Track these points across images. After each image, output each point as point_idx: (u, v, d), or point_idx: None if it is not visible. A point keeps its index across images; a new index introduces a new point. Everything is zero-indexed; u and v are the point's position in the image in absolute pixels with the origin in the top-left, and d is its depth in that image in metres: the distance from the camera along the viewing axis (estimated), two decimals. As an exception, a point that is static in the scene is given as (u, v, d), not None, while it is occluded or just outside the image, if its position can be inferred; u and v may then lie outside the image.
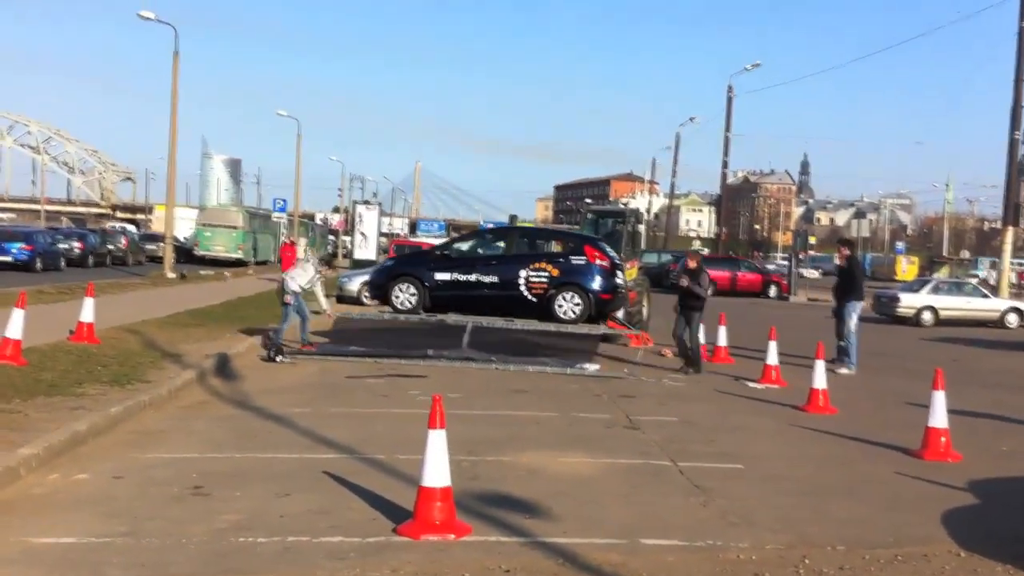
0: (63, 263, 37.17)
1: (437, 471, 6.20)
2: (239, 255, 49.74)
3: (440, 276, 16.59)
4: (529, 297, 16.24)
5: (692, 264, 16.58)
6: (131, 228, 74.99)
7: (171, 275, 33.11)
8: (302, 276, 16.32)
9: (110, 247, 44.98)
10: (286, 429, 9.67)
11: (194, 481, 7.35)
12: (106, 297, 20.97)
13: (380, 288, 17.20)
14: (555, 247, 17.79)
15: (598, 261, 16.45)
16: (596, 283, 16.23)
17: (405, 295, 16.60)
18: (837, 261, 19.27)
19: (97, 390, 10.45)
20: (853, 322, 16.72)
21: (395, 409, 11.16)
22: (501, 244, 17.75)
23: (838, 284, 17.56)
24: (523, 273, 16.29)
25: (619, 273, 16.87)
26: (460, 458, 7.95)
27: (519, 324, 16.23)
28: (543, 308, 16.19)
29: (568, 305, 16.05)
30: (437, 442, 6.22)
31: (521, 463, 8.46)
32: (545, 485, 7.70)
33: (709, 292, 16.63)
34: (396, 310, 16.71)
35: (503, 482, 7.72)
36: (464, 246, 18.04)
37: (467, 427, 9.67)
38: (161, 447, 8.57)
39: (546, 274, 16.23)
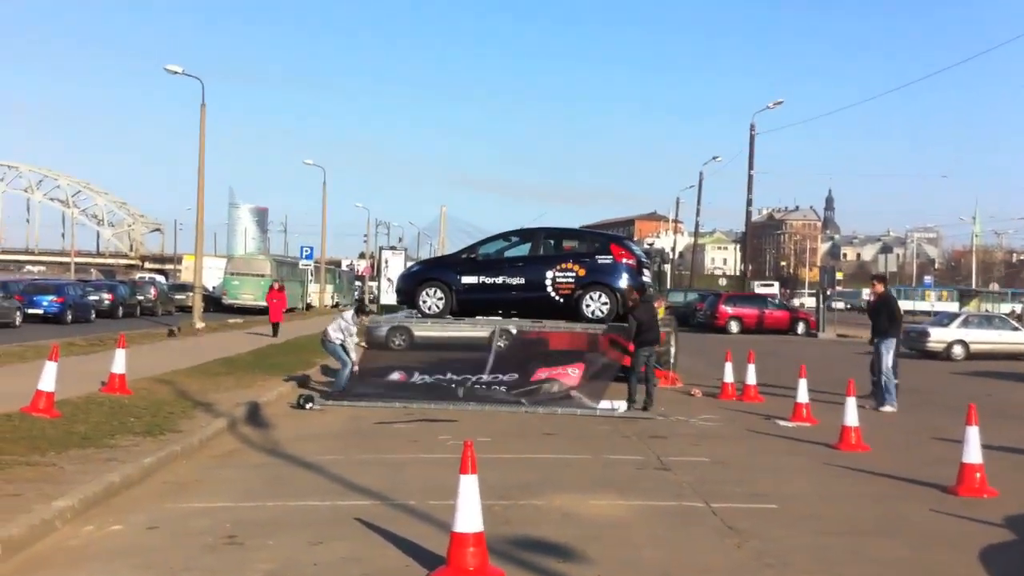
0: (93, 315, 37.57)
1: (470, 516, 6.19)
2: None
3: (467, 279, 16.63)
4: (556, 298, 16.25)
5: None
6: (160, 278, 75.66)
7: (200, 324, 33.31)
8: (337, 332, 16.26)
9: (140, 298, 45.39)
10: (317, 476, 9.69)
11: (227, 530, 7.37)
12: (136, 348, 21.16)
13: (408, 294, 17.23)
14: (581, 247, 17.67)
15: (624, 260, 16.43)
16: (623, 281, 16.18)
17: (432, 300, 16.67)
18: (868, 296, 19.08)
19: (130, 441, 10.52)
20: (890, 359, 16.47)
21: (425, 454, 11.15)
22: (527, 246, 17.57)
23: (872, 320, 17.27)
24: (550, 274, 16.30)
25: (645, 271, 16.81)
26: (492, 503, 7.93)
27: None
28: (571, 308, 16.16)
29: (596, 304, 16.04)
30: (469, 487, 6.22)
31: (554, 506, 8.43)
32: (578, 528, 7.66)
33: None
34: (424, 314, 16.78)
35: (536, 526, 7.69)
36: (490, 249, 17.84)
37: (498, 471, 9.65)
38: (194, 497, 8.60)
39: (573, 274, 16.23)
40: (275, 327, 31.20)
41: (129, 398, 13.72)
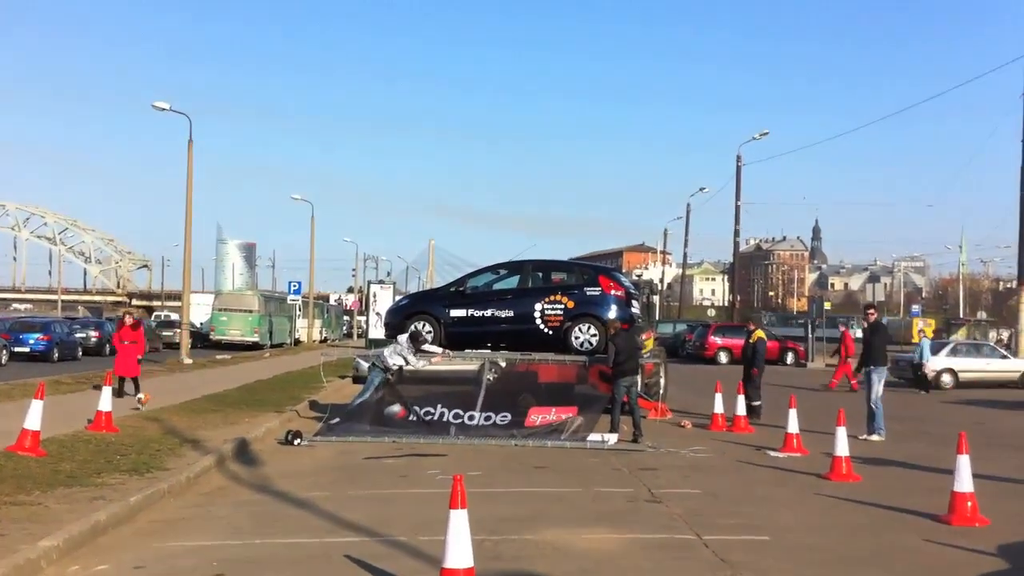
0: (80, 352, 37.34)
1: (460, 552, 6.13)
2: (255, 338, 49.96)
3: (455, 312, 16.61)
4: (545, 330, 16.23)
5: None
6: (175, 316, 75.36)
7: (187, 360, 33.18)
8: (395, 357, 16.17)
9: None
10: (306, 513, 9.61)
11: (215, 569, 7.29)
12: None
13: (396, 327, 17.15)
14: (569, 279, 17.62)
15: (613, 291, 16.44)
16: (612, 313, 16.17)
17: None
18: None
19: (116, 479, 10.43)
20: (880, 388, 16.57)
21: (415, 489, 11.08)
22: (515, 278, 17.53)
23: (863, 349, 17.44)
24: (538, 306, 16.28)
25: (634, 303, 16.82)
26: (482, 537, 7.87)
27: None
28: (560, 340, 16.14)
29: (585, 336, 16.03)
30: (459, 522, 6.16)
31: (545, 541, 8.37)
32: (570, 563, 7.61)
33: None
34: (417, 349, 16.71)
35: (527, 561, 7.64)
36: (479, 282, 17.75)
37: (489, 505, 9.59)
38: (181, 535, 8.52)
39: (561, 306, 16.22)
40: (120, 384, 18.98)
41: (116, 436, 13.63)
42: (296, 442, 14.73)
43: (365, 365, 26.53)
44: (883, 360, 17.02)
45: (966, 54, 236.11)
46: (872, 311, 18.05)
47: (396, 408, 16.12)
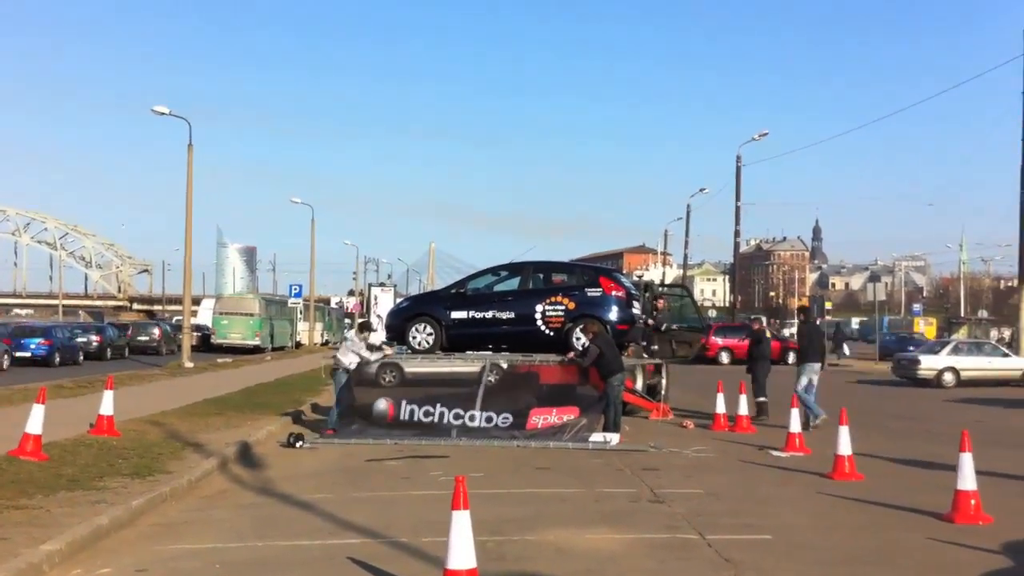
0: (81, 357, 37.37)
1: (462, 553, 6.12)
2: (256, 342, 49.95)
3: (456, 314, 16.58)
4: (546, 331, 16.20)
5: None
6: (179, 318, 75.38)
7: (188, 364, 33.17)
8: (347, 355, 16.22)
9: (142, 338, 45.56)
10: (309, 515, 9.59)
11: (217, 572, 7.29)
12: (125, 389, 21.04)
13: (397, 330, 17.14)
14: (570, 280, 17.61)
15: (614, 292, 16.42)
16: (613, 314, 16.17)
17: (422, 335, 16.61)
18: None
19: (118, 483, 10.41)
20: (804, 380, 17.53)
21: (417, 491, 11.06)
22: (516, 280, 17.53)
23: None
24: (539, 308, 16.26)
25: (635, 303, 16.80)
26: (485, 538, 7.86)
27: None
28: (561, 342, 16.12)
29: (586, 338, 15.98)
30: (461, 523, 6.15)
31: (547, 541, 8.35)
32: (573, 563, 7.59)
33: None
34: (414, 350, 16.71)
35: (530, 562, 7.62)
36: (479, 284, 17.77)
37: (492, 507, 9.58)
38: (183, 539, 8.51)
39: (562, 307, 16.19)
40: None
41: (117, 440, 13.61)
42: (298, 444, 14.71)
43: (369, 368, 26.72)
44: (811, 358, 17.85)
45: (967, 52, 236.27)
46: (802, 315, 18.79)
47: (383, 405, 16.09)
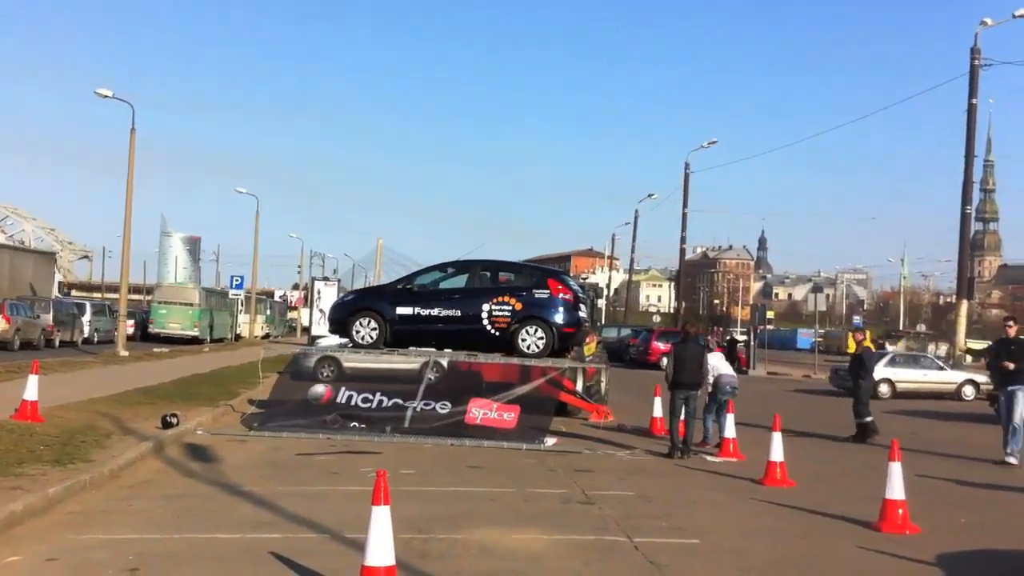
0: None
1: (381, 550, 6.00)
2: (195, 333, 49.19)
3: (401, 310, 16.41)
4: (492, 331, 16.10)
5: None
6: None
7: (123, 352, 32.59)
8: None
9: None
10: (232, 508, 9.40)
11: (130, 563, 7.06)
12: (55, 375, 20.60)
13: (341, 324, 16.93)
14: (517, 280, 17.52)
15: (561, 294, 16.38)
16: (559, 316, 16.13)
17: (366, 330, 16.39)
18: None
19: (37, 470, 10.10)
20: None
21: (345, 486, 10.90)
22: (463, 277, 17.40)
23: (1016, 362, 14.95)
24: (486, 307, 16.15)
25: (582, 306, 16.77)
26: (411, 536, 7.76)
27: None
28: (506, 342, 16.03)
29: (531, 339, 15.92)
30: (381, 519, 6.03)
31: (473, 540, 8.24)
32: (497, 563, 7.49)
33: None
34: (357, 344, 16.52)
35: (454, 560, 7.51)
36: (426, 280, 17.55)
37: (420, 504, 9.46)
38: (99, 528, 8.26)
39: (509, 308, 16.10)
40: None
41: (40, 426, 13.23)
42: (174, 421, 14.29)
43: (307, 362, 26.45)
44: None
45: (914, 68, 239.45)
46: (1014, 323, 15.82)
47: (320, 389, 15.91)
